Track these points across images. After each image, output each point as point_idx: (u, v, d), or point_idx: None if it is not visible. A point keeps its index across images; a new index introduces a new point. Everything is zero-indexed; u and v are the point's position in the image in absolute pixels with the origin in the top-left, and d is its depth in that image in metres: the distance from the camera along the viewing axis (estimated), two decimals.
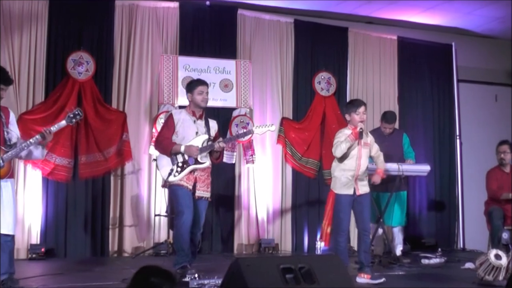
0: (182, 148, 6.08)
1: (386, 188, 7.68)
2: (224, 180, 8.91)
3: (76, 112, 5.66)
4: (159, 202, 8.41)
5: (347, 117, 6.39)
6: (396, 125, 8.54)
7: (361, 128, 6.20)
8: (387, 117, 8.07)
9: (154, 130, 8.37)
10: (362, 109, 6.29)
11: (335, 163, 6.41)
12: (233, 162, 8.90)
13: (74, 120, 5.66)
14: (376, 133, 7.75)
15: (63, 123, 5.63)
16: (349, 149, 6.24)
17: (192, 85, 6.34)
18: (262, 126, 6.53)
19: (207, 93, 6.27)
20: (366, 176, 6.38)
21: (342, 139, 6.21)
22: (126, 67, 8.55)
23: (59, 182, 8.03)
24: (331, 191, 6.42)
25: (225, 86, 8.96)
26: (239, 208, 8.91)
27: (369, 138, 6.47)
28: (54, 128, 5.52)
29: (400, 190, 7.89)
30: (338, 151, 6.23)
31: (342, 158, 6.29)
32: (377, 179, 6.54)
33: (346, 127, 6.39)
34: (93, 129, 8.13)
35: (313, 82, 9.41)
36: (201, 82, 6.36)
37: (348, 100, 9.27)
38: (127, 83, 8.52)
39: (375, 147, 6.53)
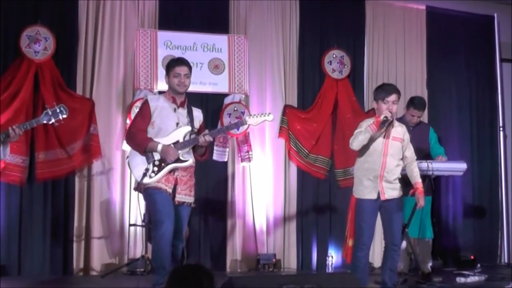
0: (160, 147, 6.05)
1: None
2: (215, 182, 8.89)
3: (58, 110, 5.50)
4: (135, 209, 8.35)
5: (375, 105, 6.35)
6: (425, 116, 8.46)
7: (385, 117, 6.10)
8: (415, 102, 7.98)
9: (128, 121, 8.31)
10: (392, 97, 6.22)
11: (357, 161, 6.37)
12: (226, 160, 8.87)
13: (53, 119, 5.49)
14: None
15: (37, 121, 5.48)
16: (371, 142, 6.18)
17: (168, 66, 6.34)
18: (257, 115, 6.49)
19: (186, 75, 6.23)
20: (397, 177, 6.30)
21: (363, 128, 6.16)
22: (94, 44, 8.52)
23: (11, 184, 7.98)
24: (352, 196, 6.37)
25: (215, 67, 8.92)
26: (233, 216, 8.87)
27: (403, 132, 6.38)
28: (24, 127, 5.35)
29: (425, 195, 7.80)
30: (355, 143, 6.16)
31: (362, 154, 6.25)
32: (422, 200, 6.38)
33: (373, 117, 6.34)
34: None
35: (323, 62, 9.35)
36: (178, 62, 6.32)
37: (364, 84, 9.46)
38: (95, 64, 8.48)
39: (411, 148, 6.44)
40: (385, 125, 6.15)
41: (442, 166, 7.63)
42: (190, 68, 6.31)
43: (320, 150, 9.19)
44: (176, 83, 6.17)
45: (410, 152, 6.41)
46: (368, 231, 6.22)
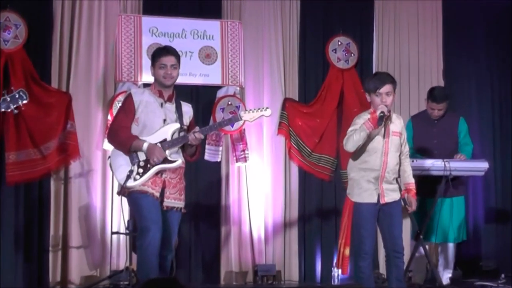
0: (145, 146, 6.05)
1: (434, 192, 7.70)
2: (206, 185, 8.91)
3: (17, 95, 5.51)
4: (117, 215, 8.28)
5: (367, 98, 6.33)
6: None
7: (381, 112, 6.06)
8: (434, 94, 8.01)
9: (109, 117, 8.33)
10: (385, 88, 6.16)
11: (351, 161, 6.37)
12: (218, 160, 8.87)
13: (13, 105, 5.49)
14: (420, 118, 7.72)
15: None
16: (369, 140, 6.17)
17: (153, 56, 6.33)
18: (253, 110, 6.48)
19: (173, 66, 6.22)
20: (396, 177, 6.32)
21: (357, 126, 6.16)
22: (71, 32, 8.49)
23: None
24: (347, 199, 6.37)
25: (207, 56, 8.93)
26: (227, 223, 8.86)
27: (401, 126, 6.41)
28: None
29: (447, 196, 7.87)
30: (349, 144, 6.16)
31: (360, 154, 6.24)
32: (414, 204, 6.45)
33: (367, 111, 6.32)
34: (25, 117, 7.99)
35: (327, 50, 9.33)
36: (163, 51, 6.30)
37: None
38: (71, 54, 8.47)
39: (406, 142, 6.48)
40: (381, 122, 6.09)
41: (460, 165, 7.70)
42: (178, 57, 6.31)
43: (324, 149, 9.18)
44: (162, 75, 6.17)
45: (407, 148, 6.45)
46: (370, 238, 6.24)
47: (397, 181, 6.31)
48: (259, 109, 6.47)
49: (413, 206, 6.40)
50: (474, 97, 10.02)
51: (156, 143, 6.08)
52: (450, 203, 8.01)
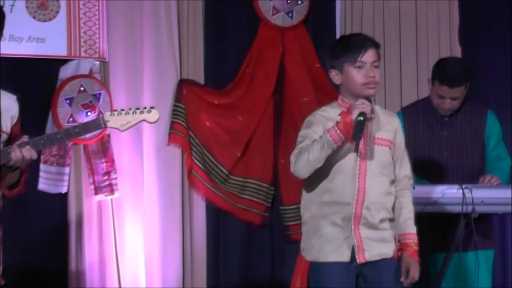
0: None
1: (444, 242, 7.56)
2: (44, 237, 8.81)
3: None
4: None
5: (334, 76, 6.10)
6: None
7: (361, 114, 5.78)
8: (446, 71, 7.67)
9: None
10: (370, 55, 5.98)
11: (305, 192, 6.22)
12: (64, 191, 8.77)
13: None
14: (419, 112, 7.79)
15: None
16: (332, 154, 5.85)
17: None
18: (127, 111, 5.95)
19: None
20: (388, 218, 6.10)
21: (315, 135, 5.93)
22: None
23: None
24: (299, 258, 6.29)
25: (41, 6, 8.80)
26: None
27: (393, 128, 6.21)
28: None
29: (469, 248, 7.66)
30: (301, 167, 5.98)
31: (319, 178, 6.03)
32: (415, 271, 6.18)
33: (334, 103, 6.15)
34: None
35: None
36: None
37: (337, 36, 9.60)
38: None
39: (405, 160, 6.29)
40: (362, 127, 5.77)
41: (491, 195, 7.48)
42: (2, 27, 5.93)
43: (252, 169, 9.26)
44: None
45: (407, 170, 6.23)
46: None
47: (390, 225, 6.10)
48: (137, 109, 5.95)
49: (413, 274, 6.09)
50: (509, 74, 9.89)
51: None
52: (474, 260, 7.73)
